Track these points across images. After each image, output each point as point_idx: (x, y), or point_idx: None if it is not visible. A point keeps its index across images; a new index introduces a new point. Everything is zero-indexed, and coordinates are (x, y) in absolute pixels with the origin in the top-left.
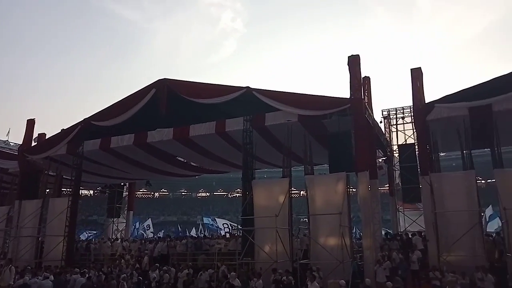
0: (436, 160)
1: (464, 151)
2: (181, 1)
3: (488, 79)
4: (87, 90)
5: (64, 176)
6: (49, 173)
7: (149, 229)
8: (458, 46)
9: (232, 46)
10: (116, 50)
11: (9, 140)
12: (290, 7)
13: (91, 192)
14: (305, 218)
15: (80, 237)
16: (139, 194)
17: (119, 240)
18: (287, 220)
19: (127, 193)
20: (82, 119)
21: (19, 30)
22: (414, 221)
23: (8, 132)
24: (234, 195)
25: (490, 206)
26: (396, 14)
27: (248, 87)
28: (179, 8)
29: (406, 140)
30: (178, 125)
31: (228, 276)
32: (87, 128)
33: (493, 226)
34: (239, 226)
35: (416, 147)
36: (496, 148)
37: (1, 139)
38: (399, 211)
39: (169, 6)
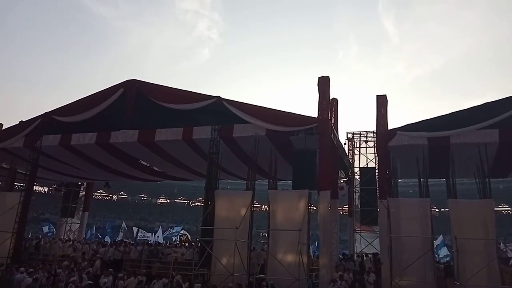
0: (395, 185)
1: (421, 179)
2: (157, 3)
3: (448, 113)
4: (53, 85)
5: (18, 170)
6: (2, 165)
7: (108, 233)
8: (421, 78)
9: (205, 54)
10: (85, 46)
11: None
12: (266, 22)
13: (46, 189)
14: (265, 232)
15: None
16: (96, 195)
17: (71, 241)
18: (247, 233)
19: (83, 193)
20: (43, 112)
21: None
22: (370, 243)
23: None
24: (195, 203)
25: (441, 235)
26: (366, 42)
27: (218, 96)
28: (155, 10)
29: (367, 164)
30: (144, 128)
31: (183, 287)
32: (48, 123)
33: (441, 254)
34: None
35: (377, 171)
36: (451, 179)
37: None
38: (356, 232)
39: (144, 7)
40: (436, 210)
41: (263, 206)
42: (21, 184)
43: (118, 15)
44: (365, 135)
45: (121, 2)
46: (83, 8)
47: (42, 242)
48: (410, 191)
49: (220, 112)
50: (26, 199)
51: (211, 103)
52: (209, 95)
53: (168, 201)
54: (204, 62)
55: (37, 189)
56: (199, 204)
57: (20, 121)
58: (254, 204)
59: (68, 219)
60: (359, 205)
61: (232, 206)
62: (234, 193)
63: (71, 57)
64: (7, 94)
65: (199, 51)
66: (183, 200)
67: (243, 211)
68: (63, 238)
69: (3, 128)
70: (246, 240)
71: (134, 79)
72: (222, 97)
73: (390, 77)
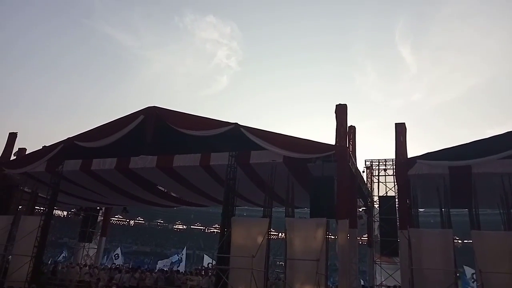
0: (415, 215)
1: (443, 209)
2: (177, 33)
3: (469, 142)
4: (74, 109)
5: (39, 194)
6: (24, 189)
7: (117, 258)
8: (441, 106)
9: (224, 82)
10: (106, 73)
11: None
12: (283, 51)
13: (64, 213)
14: (282, 261)
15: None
16: (113, 220)
17: (87, 266)
18: (264, 262)
19: (102, 218)
20: (65, 138)
21: (4, 43)
22: (390, 275)
23: None
24: (212, 230)
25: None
26: (383, 70)
27: (236, 123)
28: (176, 40)
29: (387, 192)
30: (162, 153)
31: None
32: (69, 148)
33: None
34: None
35: (397, 200)
36: (474, 209)
37: None
38: (376, 263)
39: (165, 37)
40: (459, 241)
41: (280, 234)
42: (42, 208)
43: (141, 44)
44: (384, 163)
45: (144, 32)
46: (108, 38)
47: (60, 267)
48: (432, 221)
49: (237, 138)
50: (46, 223)
51: (229, 130)
52: (227, 121)
53: (185, 227)
54: (223, 89)
55: (56, 213)
56: (216, 230)
57: (43, 146)
58: (270, 231)
59: (86, 243)
60: (378, 235)
61: (248, 234)
62: (251, 220)
63: (97, 86)
64: (38, 121)
65: (218, 78)
66: (200, 226)
67: (259, 239)
68: (80, 263)
69: (26, 153)
70: (262, 269)
71: (154, 106)
72: (240, 123)
73: (408, 105)
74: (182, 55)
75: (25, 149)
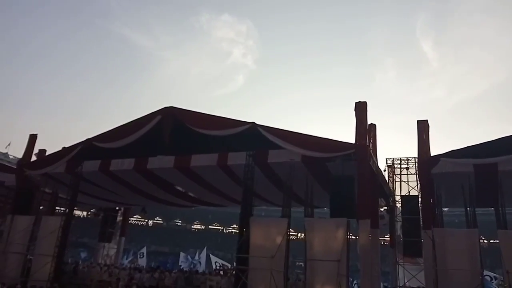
0: (440, 215)
1: (468, 208)
2: (193, 33)
3: (494, 139)
4: (90, 109)
5: (59, 195)
6: (45, 190)
7: (142, 257)
8: (463, 103)
9: (240, 81)
10: (122, 74)
11: (9, 153)
12: (300, 48)
13: (84, 213)
14: (302, 262)
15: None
16: (132, 220)
17: (107, 266)
18: (283, 262)
19: (121, 218)
20: (82, 138)
21: (21, 44)
22: (414, 276)
23: (9, 145)
24: (230, 230)
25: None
26: (403, 66)
27: (253, 122)
28: (191, 39)
29: (409, 191)
30: (179, 153)
31: None
32: (88, 148)
33: None
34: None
35: (420, 199)
36: (500, 208)
37: (1, 151)
38: (399, 264)
39: (181, 37)
40: (485, 241)
41: (299, 234)
42: (62, 209)
43: (157, 45)
44: (406, 161)
45: (161, 33)
46: (124, 39)
47: (81, 267)
48: (456, 220)
49: (254, 137)
50: (66, 223)
51: (246, 129)
52: (244, 121)
53: (203, 227)
54: (239, 88)
55: (76, 213)
56: (234, 231)
57: (62, 147)
58: (290, 232)
59: (106, 243)
60: (401, 235)
61: (267, 234)
62: (269, 221)
63: (113, 87)
64: (55, 122)
65: (234, 77)
66: (218, 226)
67: (278, 239)
68: (101, 262)
69: (46, 154)
70: (282, 270)
71: (171, 106)
72: (257, 123)
73: (429, 101)
74: (198, 54)
75: (45, 151)
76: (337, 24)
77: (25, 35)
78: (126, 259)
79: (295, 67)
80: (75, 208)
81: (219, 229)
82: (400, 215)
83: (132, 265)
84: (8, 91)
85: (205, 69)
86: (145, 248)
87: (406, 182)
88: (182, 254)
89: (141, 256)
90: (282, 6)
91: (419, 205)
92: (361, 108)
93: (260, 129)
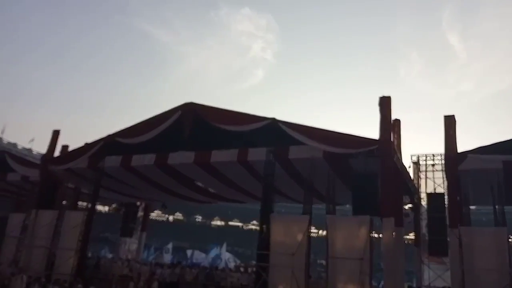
0: (467, 213)
1: (496, 206)
2: (213, 27)
3: None
4: (110, 104)
5: (82, 190)
6: (68, 185)
7: (167, 252)
8: (492, 97)
9: (260, 75)
10: (144, 70)
11: (32, 149)
12: (321, 41)
13: (106, 208)
14: (323, 260)
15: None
16: (153, 216)
17: (128, 261)
18: (304, 260)
19: (142, 213)
20: (103, 133)
21: (51, 44)
22: (439, 276)
23: (32, 140)
24: (250, 227)
25: None
26: (429, 59)
27: (274, 118)
28: (211, 34)
29: (435, 189)
30: (200, 149)
31: None
32: (110, 144)
33: None
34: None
35: (446, 197)
36: None
37: (25, 146)
38: (424, 263)
39: (202, 31)
40: None
41: (320, 232)
42: (84, 203)
43: (179, 40)
44: (432, 158)
45: (181, 28)
46: (146, 35)
47: (102, 262)
48: (484, 219)
49: (275, 133)
50: (89, 218)
51: (266, 124)
52: (264, 116)
53: (223, 223)
54: (258, 82)
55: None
56: (254, 227)
57: (85, 143)
58: (311, 229)
59: (127, 238)
60: (426, 234)
61: (288, 231)
62: (290, 217)
63: (133, 82)
64: (75, 118)
65: (253, 72)
66: (237, 222)
67: (299, 237)
68: (122, 257)
69: (69, 150)
70: (303, 267)
71: (191, 102)
72: (277, 118)
73: (457, 96)
74: (217, 49)
75: (68, 146)
76: (359, 19)
77: (46, 31)
78: (147, 254)
79: (315, 62)
80: (97, 203)
81: (239, 225)
82: (425, 213)
83: (154, 261)
84: (31, 88)
85: (225, 63)
86: (171, 244)
87: (432, 179)
88: (192, 251)
89: (167, 252)
90: (302, 0)
91: (446, 202)
92: (385, 103)
93: (281, 125)
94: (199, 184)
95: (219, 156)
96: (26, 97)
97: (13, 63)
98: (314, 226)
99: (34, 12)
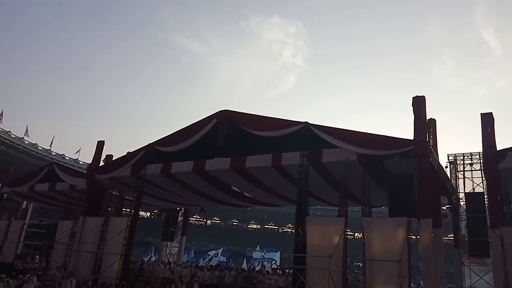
0: (508, 213)
1: None
2: (244, 37)
3: None
4: (150, 116)
5: (125, 197)
6: (113, 192)
7: (216, 256)
8: None
9: (291, 81)
10: (178, 81)
11: (79, 159)
12: (351, 44)
13: (148, 214)
14: (360, 262)
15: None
16: (191, 220)
17: (171, 264)
18: (341, 262)
19: (181, 218)
20: (147, 144)
21: (91, 59)
22: (481, 278)
23: (79, 151)
24: (285, 230)
25: None
26: (462, 56)
27: (306, 122)
28: (242, 43)
29: (474, 188)
30: (235, 155)
31: None
32: (150, 153)
33: None
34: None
35: (486, 196)
36: None
37: (72, 157)
38: (464, 265)
39: (232, 41)
40: None
41: (356, 234)
42: (128, 210)
43: (210, 50)
44: (470, 157)
45: (212, 39)
46: (178, 47)
47: (146, 265)
48: None
49: (307, 137)
50: (133, 223)
51: (299, 129)
52: (296, 121)
53: (259, 226)
54: (290, 88)
55: (140, 214)
56: (289, 230)
57: (127, 152)
58: (347, 231)
59: (168, 242)
60: (466, 235)
61: (324, 234)
62: (326, 220)
63: (172, 94)
64: (121, 129)
65: (284, 78)
66: (273, 226)
67: (335, 239)
68: (164, 261)
69: (113, 159)
70: (340, 270)
71: (226, 110)
72: (310, 122)
73: (493, 93)
74: (248, 57)
75: (112, 156)
76: (388, 20)
77: (96, 52)
78: (187, 257)
79: (346, 66)
80: (140, 209)
81: (275, 228)
82: (464, 213)
83: (206, 263)
84: (79, 103)
85: (256, 71)
86: (221, 249)
87: (470, 178)
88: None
89: (216, 256)
90: (331, 5)
91: (485, 202)
92: (419, 103)
93: (313, 128)
94: (235, 189)
95: (253, 161)
96: (74, 112)
97: (68, 83)
98: (349, 228)
99: (91, 35)
